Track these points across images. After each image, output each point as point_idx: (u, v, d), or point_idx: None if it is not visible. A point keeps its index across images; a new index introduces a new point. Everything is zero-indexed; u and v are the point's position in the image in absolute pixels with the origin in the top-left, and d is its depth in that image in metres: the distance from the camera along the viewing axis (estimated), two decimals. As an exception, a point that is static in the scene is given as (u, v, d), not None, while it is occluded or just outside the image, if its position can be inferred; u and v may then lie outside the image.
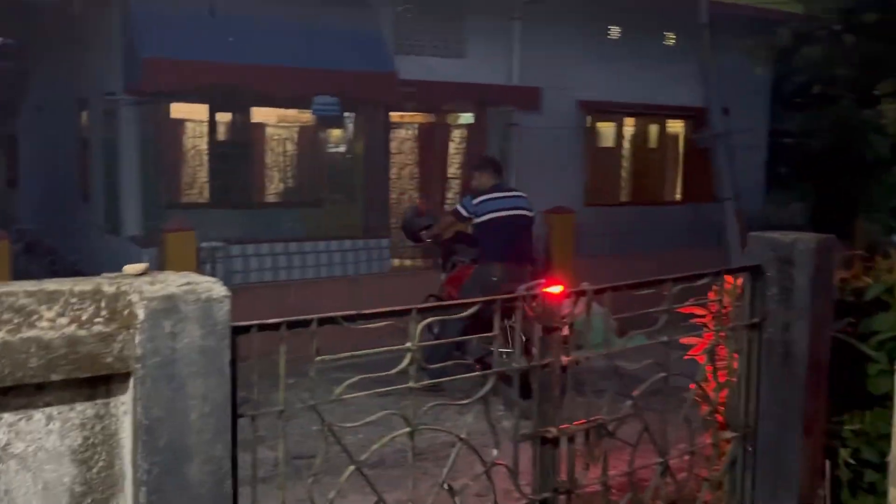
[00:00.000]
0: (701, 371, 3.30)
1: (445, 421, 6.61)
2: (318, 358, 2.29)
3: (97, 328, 1.91)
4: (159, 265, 8.22)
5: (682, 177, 13.85)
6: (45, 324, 1.87)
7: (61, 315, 1.90)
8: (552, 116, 11.84)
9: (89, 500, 1.97)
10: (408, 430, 2.52)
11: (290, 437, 2.43)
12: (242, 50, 9.28)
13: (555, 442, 2.78)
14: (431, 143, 11.72)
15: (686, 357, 3.69)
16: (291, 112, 10.68)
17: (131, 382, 1.95)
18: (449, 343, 6.66)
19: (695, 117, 12.95)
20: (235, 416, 2.10)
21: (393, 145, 11.46)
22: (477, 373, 2.84)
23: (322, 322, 2.28)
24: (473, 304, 2.63)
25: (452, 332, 6.57)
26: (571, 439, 2.82)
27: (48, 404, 1.92)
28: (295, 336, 2.25)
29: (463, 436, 2.64)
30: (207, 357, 1.98)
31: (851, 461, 3.51)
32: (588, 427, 2.84)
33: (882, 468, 3.38)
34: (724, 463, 3.37)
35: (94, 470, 1.97)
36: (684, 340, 3.87)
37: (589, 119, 12.66)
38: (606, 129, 13.23)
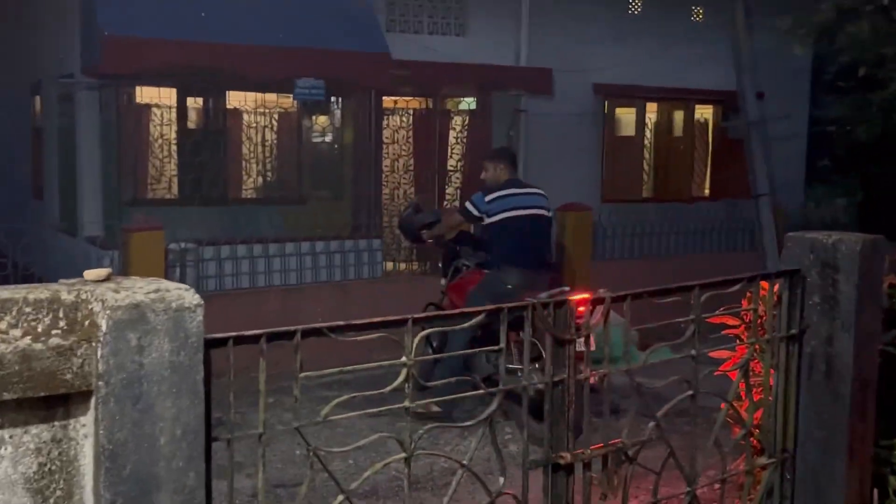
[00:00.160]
0: (733, 389, 3.30)
1: (445, 445, 6.64)
2: (303, 374, 2.30)
3: (54, 341, 1.92)
4: (122, 269, 8.23)
5: (712, 170, 13.86)
6: (-5, 336, 1.88)
7: (14, 326, 1.91)
8: (565, 101, 11.85)
9: (45, 535, 1.97)
10: (403, 455, 2.52)
11: (270, 464, 2.44)
12: (216, 27, 9.29)
13: (569, 469, 2.78)
14: (429, 131, 11.72)
15: (716, 373, 3.70)
16: (271, 97, 10.69)
17: (93, 402, 1.96)
18: (453, 360, 6.64)
19: (725, 103, 12.96)
20: (210, 440, 2.10)
21: (385, 134, 11.47)
22: (480, 391, 2.84)
23: (306, 334, 2.28)
24: (478, 312, 2.63)
25: (456, 347, 6.55)
26: (587, 466, 2.83)
27: (-1, 427, 1.92)
28: (275, 349, 2.25)
29: (465, 462, 2.65)
30: (178, 373, 1.99)
31: (902, 490, 3.52)
32: (606, 452, 2.84)
33: (937, 498, 3.39)
34: (759, 492, 3.37)
35: (51, 500, 1.98)
36: (714, 354, 3.89)
37: (606, 104, 12.67)
38: (626, 116, 13.23)
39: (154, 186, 10.27)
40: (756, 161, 11.75)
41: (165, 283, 2.04)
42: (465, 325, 2.65)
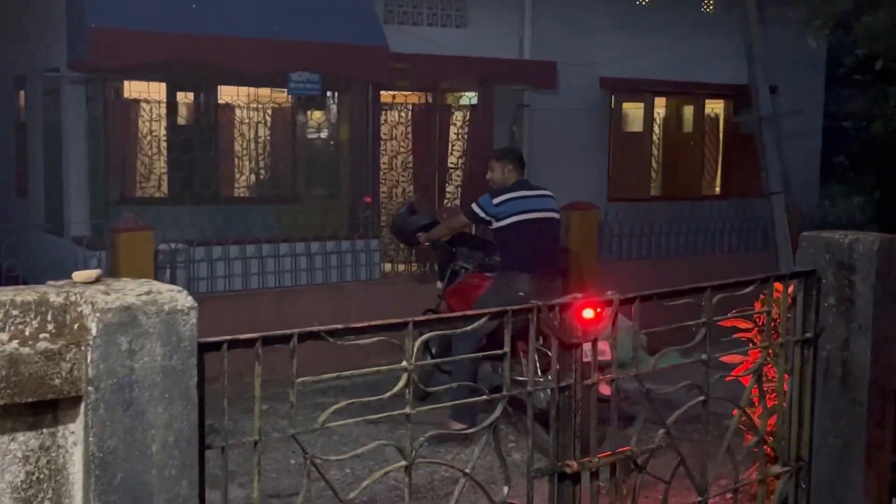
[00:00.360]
0: (746, 394, 3.31)
1: (447, 453, 6.64)
2: (300, 379, 2.30)
3: (42, 345, 1.92)
4: (110, 271, 8.23)
5: (723, 167, 13.87)
6: (-19, 340, 1.89)
7: (0, 330, 1.92)
8: (570, 96, 11.86)
9: (33, 546, 1.98)
10: (403, 463, 2.52)
11: (265, 473, 2.45)
12: (207, 19, 9.30)
13: (575, 478, 2.79)
14: (429, 127, 11.73)
15: (728, 378, 3.71)
16: (264, 91, 10.69)
17: (82, 408, 1.96)
18: (463, 376, 6.61)
19: (737, 97, 12.96)
20: (203, 448, 2.11)
21: (384, 130, 11.48)
22: (484, 397, 2.84)
23: (303, 337, 2.29)
24: (481, 315, 2.64)
25: (463, 363, 6.49)
26: (595, 474, 2.83)
27: (-15, 434, 1.93)
28: (269, 354, 2.26)
29: (468, 470, 2.65)
30: (171, 378, 2.00)
31: (922, 500, 3.53)
32: (614, 460, 2.85)
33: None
34: (773, 502, 3.38)
35: (39, 510, 1.98)
36: (726, 359, 3.89)
37: (613, 99, 12.67)
38: (633, 111, 13.24)
39: (143, 184, 10.27)
40: (769, 158, 11.77)
41: (157, 285, 2.05)
42: (469, 327, 2.65)
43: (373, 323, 2.40)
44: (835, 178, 15.03)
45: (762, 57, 11.77)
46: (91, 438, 1.94)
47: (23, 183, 12.17)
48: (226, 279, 9.33)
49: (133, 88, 9.99)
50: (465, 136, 11.93)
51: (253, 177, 11.10)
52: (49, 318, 1.95)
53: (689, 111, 13.56)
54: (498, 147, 10.88)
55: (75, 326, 1.95)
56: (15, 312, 1.93)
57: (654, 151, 13.28)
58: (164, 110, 10.23)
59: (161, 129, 10.26)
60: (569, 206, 10.29)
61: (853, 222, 13.03)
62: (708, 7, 13.28)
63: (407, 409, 2.50)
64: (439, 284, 7.94)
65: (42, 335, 1.94)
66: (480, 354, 6.18)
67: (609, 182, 12.60)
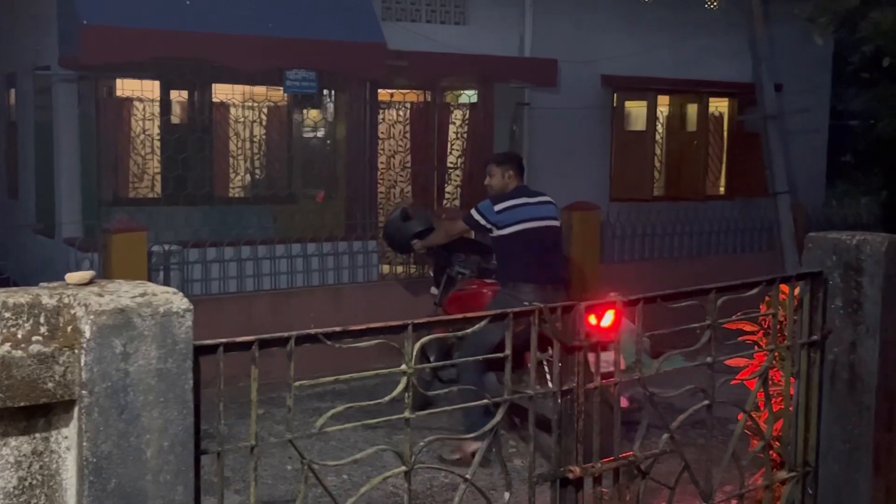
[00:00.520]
0: (751, 398, 3.31)
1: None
2: (297, 383, 2.30)
3: (35, 348, 1.93)
4: (103, 273, 8.23)
5: (727, 166, 13.87)
6: (-27, 343, 1.89)
7: (-8, 332, 1.92)
8: (571, 94, 11.87)
9: (25, 553, 1.98)
10: (402, 469, 2.52)
11: (260, 479, 2.45)
12: (201, 16, 9.30)
13: (578, 483, 2.79)
14: (427, 126, 11.73)
15: (733, 382, 3.71)
16: (260, 90, 10.70)
17: (76, 412, 1.97)
18: (471, 395, 6.54)
19: (742, 95, 12.98)
20: (199, 453, 2.11)
21: (381, 129, 11.48)
22: (484, 401, 2.85)
23: (301, 340, 2.29)
24: (481, 318, 2.64)
25: (471, 378, 6.41)
26: (598, 480, 2.83)
27: (-24, 439, 1.93)
28: (264, 357, 2.26)
29: (468, 476, 2.65)
30: (166, 382, 2.00)
31: (931, 506, 3.53)
32: (617, 466, 2.85)
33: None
34: (779, 508, 3.38)
35: (32, 517, 1.98)
36: (731, 362, 3.89)
37: (615, 97, 12.68)
38: (636, 110, 13.24)
39: (136, 185, 10.27)
40: (774, 157, 11.79)
41: (152, 287, 2.05)
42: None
43: (371, 325, 2.40)
44: (841, 177, 15.06)
45: (767, 55, 11.79)
46: (85, 443, 1.94)
47: (13, 183, 12.17)
48: (221, 281, 9.33)
49: (126, 87, 9.99)
50: (465, 135, 11.94)
51: (248, 177, 11.10)
52: (42, 320, 1.95)
53: (692, 110, 13.56)
54: (497, 149, 10.91)
55: (68, 329, 1.95)
56: (7, 315, 1.93)
57: (657, 151, 13.28)
58: (157, 109, 10.22)
59: (154, 128, 10.26)
60: (570, 206, 10.30)
61: (860, 222, 13.05)
62: (712, 4, 13.29)
63: (406, 414, 2.50)
64: (434, 290, 7.79)
65: (35, 338, 1.94)
66: (482, 356, 6.15)
67: (611, 182, 12.60)
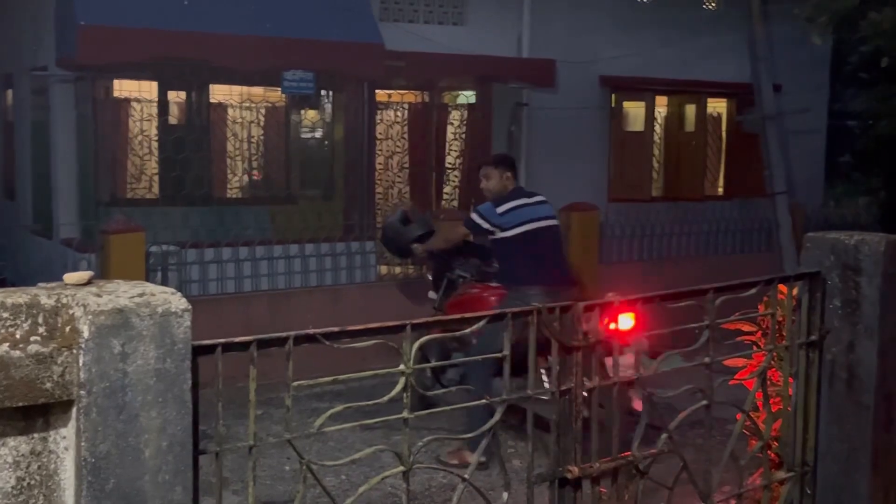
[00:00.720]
0: (750, 399, 3.32)
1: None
2: (295, 383, 2.31)
3: (33, 348, 1.93)
4: (100, 274, 8.23)
5: (726, 167, 13.88)
6: (-29, 343, 1.89)
7: (-10, 333, 1.92)
8: (569, 95, 11.87)
9: (23, 553, 1.98)
10: (401, 469, 2.53)
11: (259, 479, 2.45)
12: (199, 16, 9.30)
13: (576, 484, 2.79)
14: (425, 126, 11.74)
15: (732, 382, 3.71)
16: (257, 90, 10.70)
17: (74, 412, 1.97)
18: (479, 404, 6.44)
19: (740, 96, 12.98)
20: (197, 453, 2.11)
21: (379, 129, 11.49)
22: (482, 401, 2.85)
23: (299, 340, 2.29)
24: (479, 318, 2.64)
25: (480, 381, 6.36)
26: (596, 480, 2.84)
27: (-25, 439, 1.93)
28: (262, 358, 2.26)
29: (466, 476, 2.66)
30: (165, 382, 2.00)
31: (929, 506, 3.54)
32: (616, 466, 2.86)
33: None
34: (778, 508, 3.39)
35: (30, 517, 1.99)
36: (729, 362, 3.90)
37: (613, 98, 12.69)
38: (634, 110, 13.25)
39: (134, 185, 10.27)
40: (773, 157, 11.79)
41: (150, 287, 2.05)
42: (471, 329, 2.65)
43: (369, 326, 2.41)
44: (840, 177, 15.07)
45: (766, 55, 11.79)
46: (83, 443, 1.94)
47: (10, 184, 12.17)
48: (218, 282, 9.33)
49: (123, 87, 9.99)
50: (463, 136, 11.94)
51: (246, 177, 11.10)
52: (40, 320, 1.96)
53: (691, 110, 13.57)
54: (496, 149, 10.91)
55: (67, 329, 1.96)
56: (5, 315, 1.93)
57: (656, 151, 13.29)
58: (155, 109, 10.22)
59: (152, 129, 10.26)
60: (569, 206, 10.30)
61: (858, 223, 13.06)
62: (710, 4, 13.30)
63: (404, 414, 2.51)
64: (432, 295, 7.66)
65: (33, 338, 1.94)
66: (490, 361, 6.08)
67: (609, 182, 12.61)
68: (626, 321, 5.57)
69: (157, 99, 10.19)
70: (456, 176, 11.95)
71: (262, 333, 2.28)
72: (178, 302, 2.02)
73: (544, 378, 5.90)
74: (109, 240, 8.39)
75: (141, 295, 2.00)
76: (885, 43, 10.68)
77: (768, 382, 3.33)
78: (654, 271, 10.97)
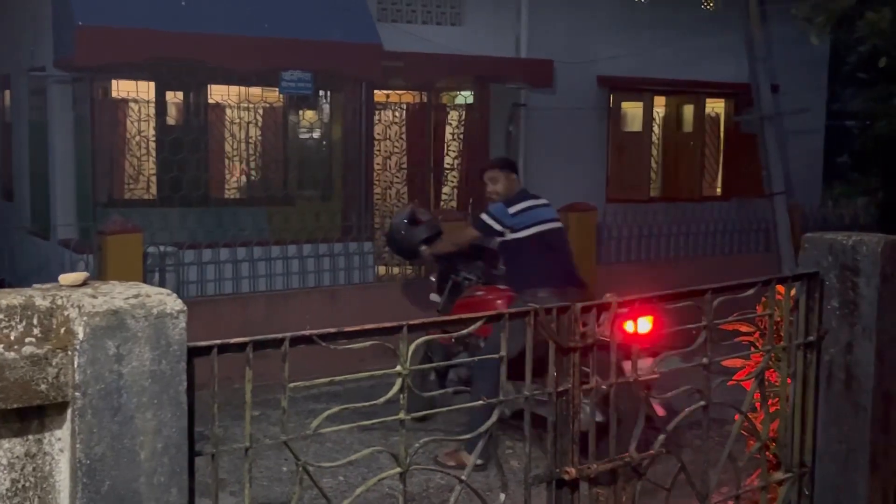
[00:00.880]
0: (748, 399, 3.31)
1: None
2: (292, 385, 2.30)
3: (28, 350, 1.92)
4: (98, 275, 8.22)
5: (724, 167, 13.89)
6: (-35, 345, 1.88)
7: (-15, 334, 1.91)
8: (567, 95, 11.88)
9: (18, 556, 1.97)
10: (398, 470, 2.52)
11: (255, 481, 2.44)
12: (197, 17, 9.30)
13: (573, 485, 2.79)
14: (423, 127, 11.75)
15: (730, 383, 3.71)
16: (255, 91, 10.70)
17: (69, 414, 1.96)
18: (484, 406, 6.39)
19: (738, 96, 12.99)
20: (193, 455, 2.10)
21: (377, 130, 11.49)
22: (480, 402, 2.85)
23: (295, 341, 2.29)
24: (476, 319, 2.64)
25: (486, 384, 6.30)
26: (593, 481, 2.83)
27: (-31, 441, 1.92)
28: (259, 359, 2.26)
29: (463, 477, 2.65)
30: (160, 383, 1.99)
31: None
32: (613, 467, 2.85)
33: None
34: (776, 509, 3.38)
35: (25, 519, 1.98)
36: (727, 363, 3.90)
37: (611, 98, 12.70)
38: (632, 111, 13.26)
39: (131, 186, 10.26)
40: (771, 157, 11.79)
41: (146, 288, 2.04)
42: (470, 329, 2.65)
43: (366, 326, 2.40)
44: (838, 178, 15.06)
45: (764, 55, 11.79)
46: (78, 445, 1.94)
47: (8, 185, 12.16)
48: (216, 283, 9.32)
49: (121, 88, 9.99)
50: (461, 136, 11.94)
51: (244, 178, 11.10)
52: (35, 321, 1.95)
53: (689, 110, 13.58)
54: (494, 150, 10.92)
55: (62, 330, 1.95)
56: (0, 316, 1.93)
57: (654, 151, 13.30)
58: (152, 110, 10.22)
59: (150, 130, 10.25)
60: (567, 207, 10.29)
61: (856, 223, 13.06)
62: (708, 4, 13.31)
63: (401, 415, 2.50)
64: (435, 297, 7.55)
65: (28, 339, 1.94)
66: (500, 364, 6.03)
67: (607, 183, 12.62)
68: (644, 324, 5.55)
69: (154, 99, 10.20)
70: (454, 176, 11.95)
71: (260, 334, 2.27)
72: (173, 303, 2.02)
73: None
74: (107, 241, 8.38)
75: (136, 296, 2.00)
76: (882, 43, 10.69)
77: (766, 383, 3.32)
78: (651, 272, 10.97)
